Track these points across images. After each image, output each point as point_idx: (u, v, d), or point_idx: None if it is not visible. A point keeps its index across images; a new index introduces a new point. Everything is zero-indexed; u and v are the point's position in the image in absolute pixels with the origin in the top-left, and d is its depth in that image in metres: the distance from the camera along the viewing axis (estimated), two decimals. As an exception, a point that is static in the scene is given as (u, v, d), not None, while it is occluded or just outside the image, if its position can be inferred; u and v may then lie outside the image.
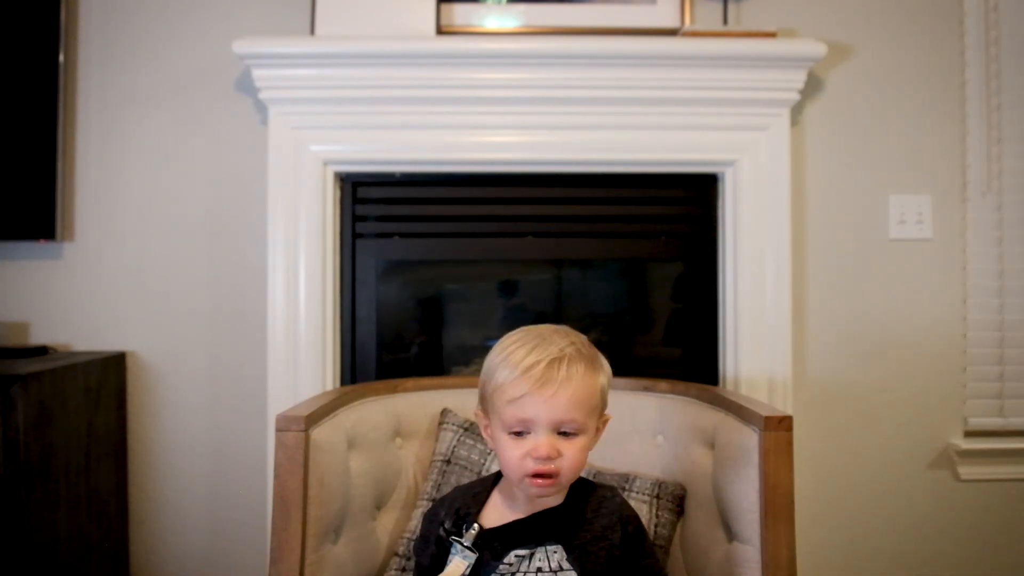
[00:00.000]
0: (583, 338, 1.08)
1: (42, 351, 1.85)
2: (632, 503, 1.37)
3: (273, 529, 1.19)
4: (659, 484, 1.40)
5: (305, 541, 1.18)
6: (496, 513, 1.08)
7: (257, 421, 1.94)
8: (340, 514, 1.28)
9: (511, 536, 1.03)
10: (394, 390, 1.52)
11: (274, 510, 1.19)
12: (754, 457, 1.22)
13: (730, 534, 1.28)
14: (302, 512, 1.18)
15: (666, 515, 1.38)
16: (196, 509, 1.99)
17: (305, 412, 1.23)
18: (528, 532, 1.04)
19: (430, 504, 1.30)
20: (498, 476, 1.12)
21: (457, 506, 1.10)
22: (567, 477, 1.02)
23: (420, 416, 1.51)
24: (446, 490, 1.30)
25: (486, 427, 1.08)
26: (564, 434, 1.01)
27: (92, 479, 1.80)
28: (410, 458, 1.48)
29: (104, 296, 1.97)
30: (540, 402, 0.99)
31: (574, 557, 1.02)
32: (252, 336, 1.96)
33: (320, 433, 1.25)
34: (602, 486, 1.13)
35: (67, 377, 1.71)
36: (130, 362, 1.97)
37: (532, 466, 0.99)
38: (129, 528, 1.98)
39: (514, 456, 1.01)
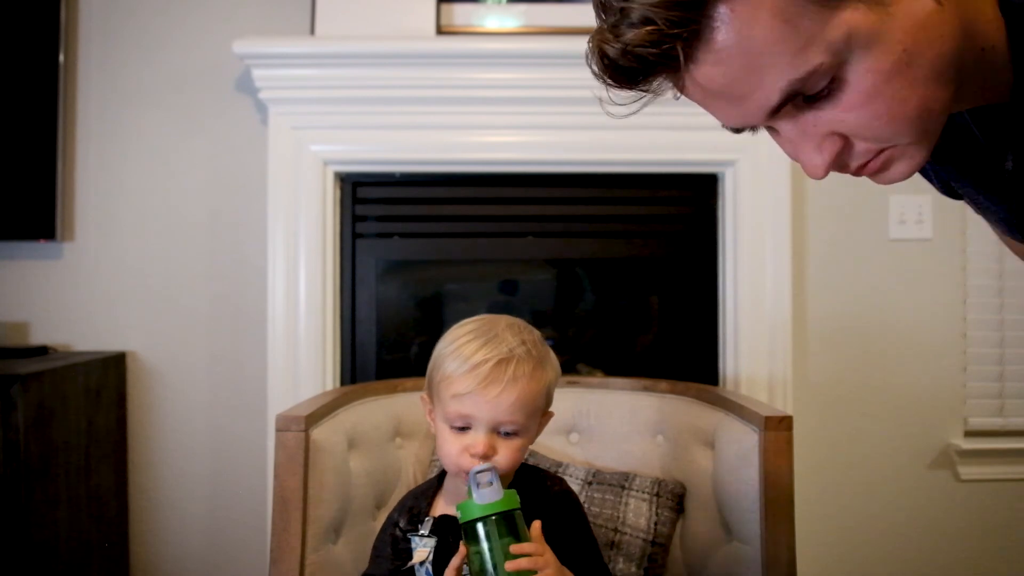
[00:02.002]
0: (536, 335, 1.07)
1: (42, 351, 1.85)
2: (632, 501, 1.37)
3: (273, 529, 1.19)
4: (659, 483, 1.40)
5: (305, 541, 1.19)
6: (446, 507, 1.09)
7: (257, 421, 1.94)
8: (340, 514, 1.28)
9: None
10: (394, 390, 1.52)
11: (274, 510, 1.19)
12: (754, 457, 1.22)
13: (730, 534, 1.28)
14: (302, 512, 1.18)
15: (666, 513, 1.38)
16: (196, 509, 1.99)
17: (305, 412, 1.23)
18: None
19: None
20: (444, 472, 1.13)
21: (409, 505, 1.12)
22: (501, 473, 1.02)
23: (420, 416, 1.51)
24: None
25: (430, 411, 1.09)
26: (503, 433, 1.02)
27: (92, 479, 1.80)
28: (410, 458, 1.48)
29: (104, 296, 1.97)
30: (483, 402, 0.99)
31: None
32: (252, 336, 1.96)
33: (320, 433, 1.25)
34: (549, 475, 1.14)
35: (67, 377, 1.71)
36: (130, 362, 1.97)
37: (468, 462, 1.00)
38: (129, 528, 1.98)
39: (452, 450, 1.02)
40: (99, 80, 1.97)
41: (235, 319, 1.98)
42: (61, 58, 1.90)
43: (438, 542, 1.04)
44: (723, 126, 0.64)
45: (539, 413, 1.06)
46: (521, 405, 1.00)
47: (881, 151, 0.62)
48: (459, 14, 1.95)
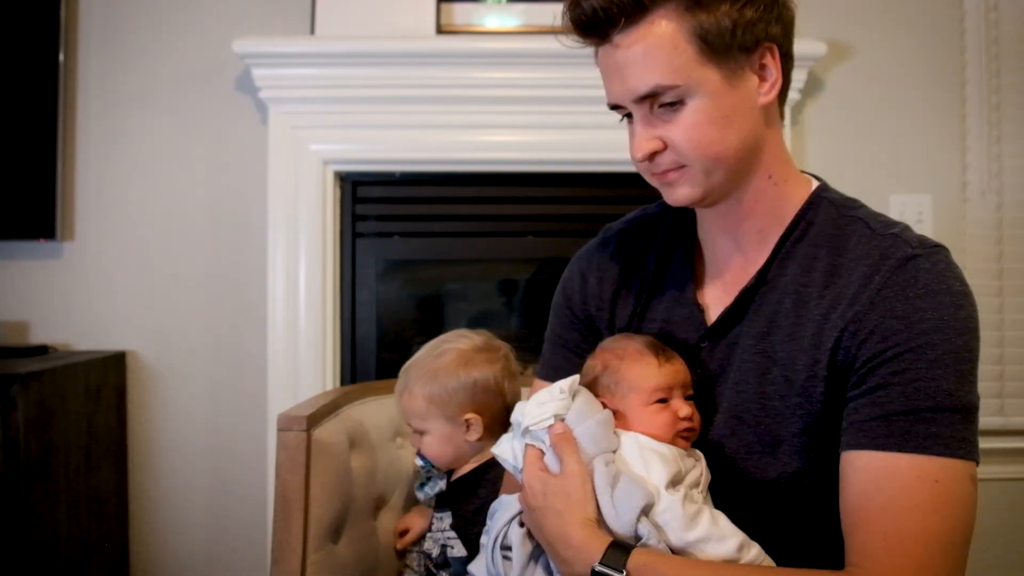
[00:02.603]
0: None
1: (42, 351, 1.85)
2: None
3: (275, 529, 1.19)
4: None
5: (306, 541, 1.18)
6: None
7: (257, 420, 1.94)
8: (341, 514, 1.28)
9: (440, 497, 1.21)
10: (394, 390, 1.52)
11: (276, 510, 1.19)
12: (755, 457, 1.22)
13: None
14: (304, 512, 1.18)
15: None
16: (196, 509, 1.99)
17: (307, 412, 1.23)
18: (444, 497, 1.21)
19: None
20: None
21: None
22: None
23: (421, 416, 1.51)
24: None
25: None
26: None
27: (92, 479, 1.80)
28: (411, 458, 1.48)
29: (104, 296, 1.97)
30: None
31: (456, 523, 1.15)
32: (252, 336, 1.96)
33: (321, 433, 1.25)
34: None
35: (67, 377, 1.71)
36: (130, 362, 1.97)
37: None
38: (129, 528, 1.97)
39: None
40: (99, 80, 1.97)
41: (235, 318, 1.98)
42: (61, 58, 1.90)
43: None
44: (607, 105, 0.90)
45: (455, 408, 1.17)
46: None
47: (680, 167, 0.87)
48: (459, 13, 1.95)
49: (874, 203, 2.05)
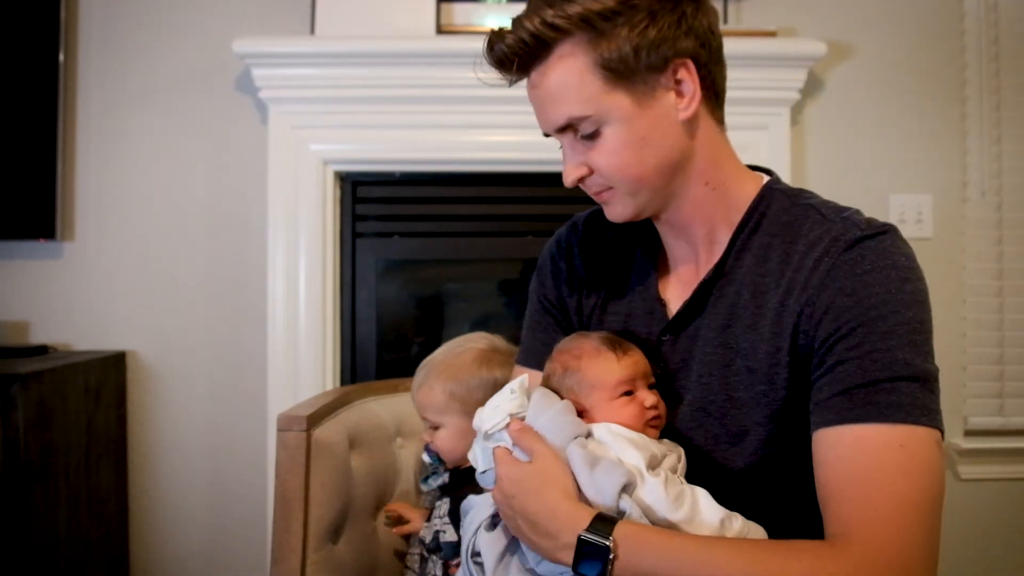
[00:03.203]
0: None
1: (42, 350, 1.85)
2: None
3: (275, 529, 1.19)
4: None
5: (307, 541, 1.18)
6: None
7: (257, 420, 1.94)
8: (341, 514, 1.28)
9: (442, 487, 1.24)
10: (395, 389, 1.52)
11: (276, 510, 1.19)
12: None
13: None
14: (304, 512, 1.18)
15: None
16: (196, 509, 1.99)
17: (307, 412, 1.23)
18: (445, 486, 1.23)
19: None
20: None
21: None
22: None
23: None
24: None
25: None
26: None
27: (92, 479, 1.80)
28: (411, 458, 1.48)
29: (104, 296, 1.97)
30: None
31: (452, 508, 1.16)
32: (252, 336, 1.96)
33: (322, 433, 1.25)
34: None
35: (67, 376, 1.71)
36: (130, 362, 1.97)
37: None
38: (129, 528, 1.97)
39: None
40: (99, 80, 1.97)
41: (235, 319, 1.98)
42: (61, 58, 1.90)
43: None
44: (543, 134, 0.95)
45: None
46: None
47: (609, 189, 0.90)
48: (459, 13, 1.95)
49: (874, 203, 2.08)
